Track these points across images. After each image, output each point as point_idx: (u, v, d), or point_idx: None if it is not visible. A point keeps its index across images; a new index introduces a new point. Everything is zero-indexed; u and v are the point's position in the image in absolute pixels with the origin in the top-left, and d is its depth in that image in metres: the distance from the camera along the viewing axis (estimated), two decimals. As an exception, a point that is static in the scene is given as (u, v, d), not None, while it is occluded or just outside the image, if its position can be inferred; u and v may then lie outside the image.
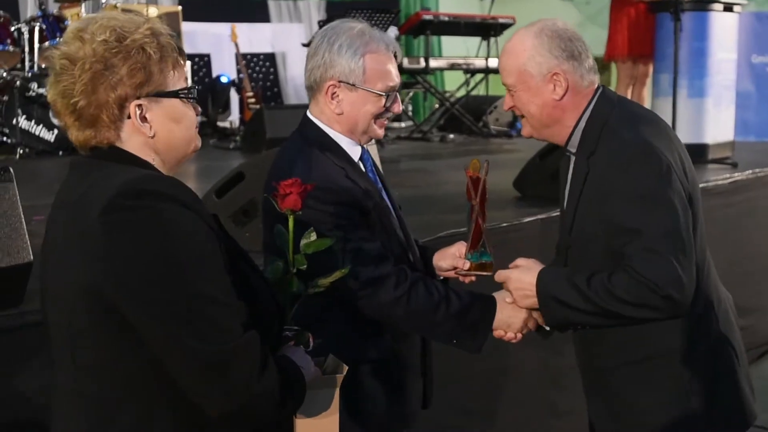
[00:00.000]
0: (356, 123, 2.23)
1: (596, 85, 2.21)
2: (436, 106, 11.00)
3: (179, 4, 10.07)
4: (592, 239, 2.14)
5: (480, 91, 9.94)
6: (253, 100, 9.41)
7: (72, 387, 1.50)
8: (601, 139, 2.12)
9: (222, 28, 10.67)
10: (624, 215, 2.03)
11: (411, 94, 11.34)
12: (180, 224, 1.42)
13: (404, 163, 7.03)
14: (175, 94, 1.55)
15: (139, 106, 1.52)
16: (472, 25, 9.64)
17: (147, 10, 7.86)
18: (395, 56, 2.26)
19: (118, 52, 1.48)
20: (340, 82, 2.19)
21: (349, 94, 2.20)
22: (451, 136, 9.03)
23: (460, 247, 2.34)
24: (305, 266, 1.75)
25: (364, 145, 2.30)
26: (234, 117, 10.07)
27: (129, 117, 1.52)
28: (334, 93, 2.20)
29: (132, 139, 1.54)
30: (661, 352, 2.17)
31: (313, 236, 1.78)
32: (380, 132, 2.28)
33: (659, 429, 2.18)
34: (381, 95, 2.20)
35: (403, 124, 10.60)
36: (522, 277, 2.16)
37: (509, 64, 2.18)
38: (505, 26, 9.59)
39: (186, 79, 1.60)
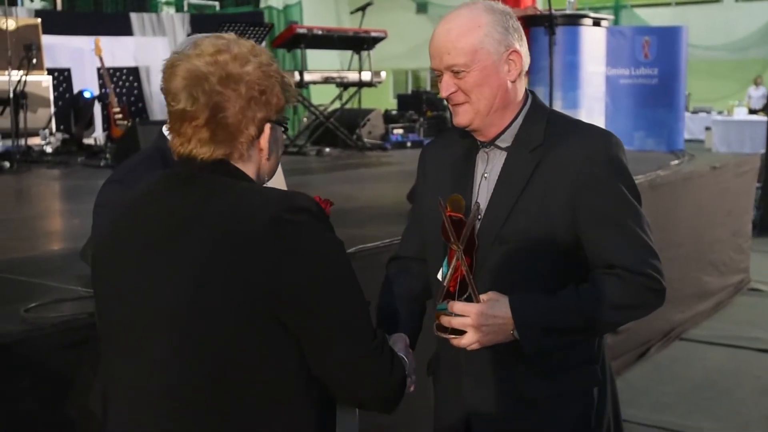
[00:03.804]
0: None
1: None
2: (305, 119, 10.96)
3: (37, 16, 9.61)
4: (541, 233, 1.97)
5: (353, 104, 9.97)
6: (120, 115, 9.08)
7: (191, 402, 1.48)
8: (551, 133, 2.02)
9: (83, 42, 10.27)
10: (611, 205, 1.96)
11: (283, 107, 11.22)
12: (334, 240, 1.52)
13: (286, 178, 6.93)
14: (284, 124, 1.66)
15: (270, 128, 1.60)
16: (346, 38, 9.69)
17: (6, 22, 7.45)
18: None
19: (270, 76, 1.58)
20: None
21: None
22: (327, 149, 9.02)
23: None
24: None
25: None
26: (98, 133, 9.68)
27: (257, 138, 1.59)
28: None
29: (249, 159, 1.59)
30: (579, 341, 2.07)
31: None
32: None
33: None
34: None
35: (275, 139, 10.49)
36: (491, 312, 1.92)
37: (462, 42, 1.96)
38: (378, 39, 9.68)
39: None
